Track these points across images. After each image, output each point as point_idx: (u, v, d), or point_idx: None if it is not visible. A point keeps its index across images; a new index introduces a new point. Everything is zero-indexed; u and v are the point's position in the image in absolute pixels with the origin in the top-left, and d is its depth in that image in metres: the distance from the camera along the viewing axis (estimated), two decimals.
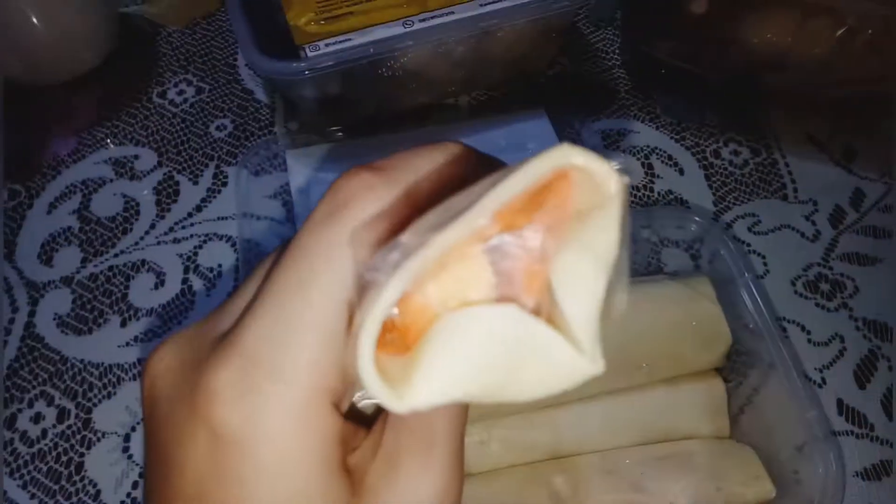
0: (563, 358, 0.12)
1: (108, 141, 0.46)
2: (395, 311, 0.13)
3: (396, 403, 0.13)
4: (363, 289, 0.13)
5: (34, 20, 0.44)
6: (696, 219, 0.36)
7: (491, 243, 0.12)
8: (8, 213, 0.43)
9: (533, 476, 0.30)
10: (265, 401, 0.15)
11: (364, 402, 0.19)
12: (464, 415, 0.17)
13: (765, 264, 0.41)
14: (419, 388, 0.12)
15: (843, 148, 0.45)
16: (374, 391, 0.12)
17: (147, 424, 0.17)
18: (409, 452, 0.17)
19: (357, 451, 0.17)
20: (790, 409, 0.32)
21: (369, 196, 0.16)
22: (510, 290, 0.13)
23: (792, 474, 0.31)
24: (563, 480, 0.29)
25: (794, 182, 0.43)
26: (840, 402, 0.36)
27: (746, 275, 0.35)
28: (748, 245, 0.41)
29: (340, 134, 0.44)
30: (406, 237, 0.13)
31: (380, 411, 0.18)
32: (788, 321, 0.39)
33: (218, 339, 0.16)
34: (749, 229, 0.42)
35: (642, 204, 0.43)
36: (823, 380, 0.37)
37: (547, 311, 0.13)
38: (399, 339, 0.13)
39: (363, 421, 0.18)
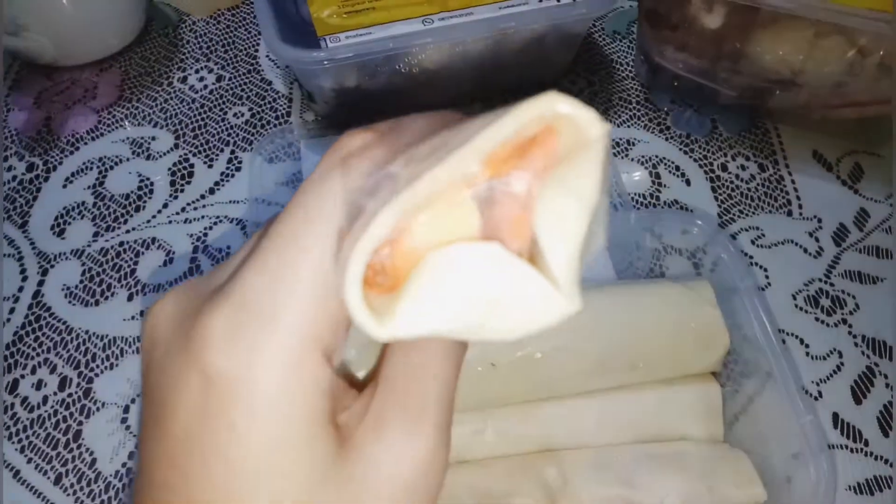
0: (541, 296, 0.13)
1: (127, 121, 0.47)
2: (385, 252, 0.13)
3: (378, 330, 0.13)
4: (353, 214, 0.14)
5: (64, 1, 0.45)
6: (700, 223, 0.36)
7: (478, 189, 0.13)
8: (24, 184, 0.44)
9: (525, 466, 0.30)
10: (257, 346, 0.15)
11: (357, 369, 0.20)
12: (453, 385, 0.18)
13: (766, 277, 0.41)
14: (401, 317, 0.13)
15: (850, 168, 0.45)
16: (357, 316, 0.13)
17: (144, 371, 0.18)
18: (398, 416, 0.17)
19: (347, 410, 0.17)
20: (786, 419, 0.32)
21: (367, 154, 0.16)
22: (495, 236, 0.13)
23: (784, 482, 0.31)
24: (555, 472, 0.30)
25: (799, 199, 0.44)
26: (836, 416, 0.36)
27: (748, 283, 0.35)
28: (751, 257, 0.42)
29: (354, 126, 0.45)
30: (396, 167, 0.13)
31: (372, 377, 0.19)
32: (787, 334, 0.39)
33: (215, 290, 0.17)
34: (752, 242, 0.42)
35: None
36: (820, 393, 0.37)
37: (529, 253, 0.13)
38: (388, 282, 0.13)
39: (356, 386, 0.19)
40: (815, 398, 0.37)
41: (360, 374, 0.19)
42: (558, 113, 0.12)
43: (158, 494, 0.16)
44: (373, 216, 0.12)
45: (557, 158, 0.13)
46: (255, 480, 0.16)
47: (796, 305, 0.40)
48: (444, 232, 0.13)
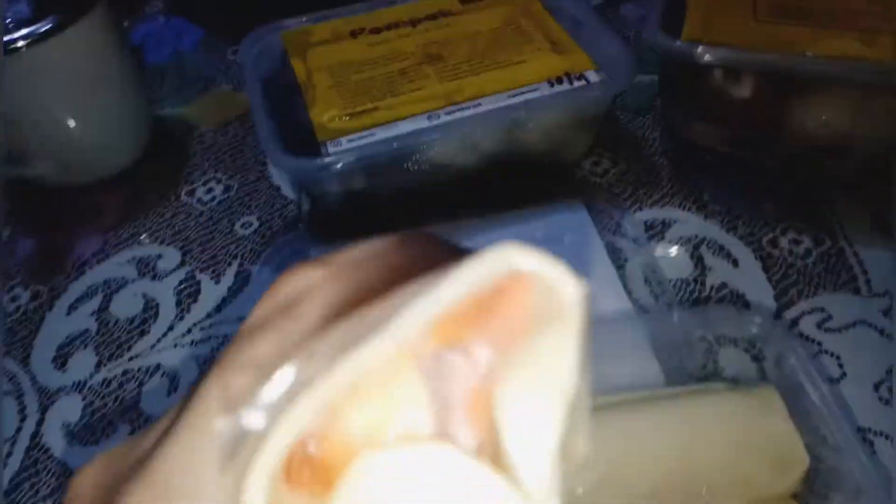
0: None
1: (135, 241, 0.45)
2: (311, 446, 0.10)
3: None
4: (240, 433, 0.11)
5: (70, 124, 0.45)
6: (758, 321, 0.32)
7: (424, 361, 0.10)
8: (28, 314, 0.42)
9: None
10: None
11: None
12: None
13: (840, 366, 0.36)
14: None
15: None
16: None
17: None
18: None
19: None
20: None
21: (318, 303, 0.13)
22: (450, 420, 0.10)
23: None
24: None
25: (865, 273, 0.39)
26: None
27: (819, 376, 0.30)
28: (819, 344, 0.37)
29: (366, 229, 0.43)
30: (302, 358, 0.10)
31: None
32: (874, 433, 0.33)
33: (137, 462, 0.14)
34: (818, 326, 0.37)
35: (694, 300, 0.39)
36: None
37: (493, 449, 0.10)
38: (316, 478, 0.10)
39: None
40: None
41: None
42: (516, 270, 0.10)
43: None
44: (266, 435, 0.10)
45: (524, 324, 0.10)
46: None
47: (880, 398, 0.34)
48: (384, 414, 0.10)
